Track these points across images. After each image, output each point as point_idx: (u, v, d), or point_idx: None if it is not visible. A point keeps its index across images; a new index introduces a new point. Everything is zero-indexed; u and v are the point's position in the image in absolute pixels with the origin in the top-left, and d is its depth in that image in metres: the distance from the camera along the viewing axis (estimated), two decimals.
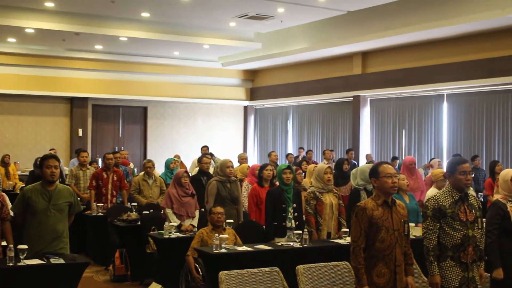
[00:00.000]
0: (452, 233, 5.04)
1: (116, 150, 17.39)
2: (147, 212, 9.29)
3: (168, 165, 12.03)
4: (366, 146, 17.66)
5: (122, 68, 19.66)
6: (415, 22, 14.05)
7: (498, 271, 5.51)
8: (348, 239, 6.86)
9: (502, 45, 13.92)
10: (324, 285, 5.81)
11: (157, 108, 21.06)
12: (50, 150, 15.73)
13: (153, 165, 10.96)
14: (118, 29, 16.09)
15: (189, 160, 16.71)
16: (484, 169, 13.32)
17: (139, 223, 8.92)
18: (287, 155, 16.57)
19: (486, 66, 14.09)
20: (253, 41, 18.26)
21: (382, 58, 16.91)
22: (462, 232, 5.04)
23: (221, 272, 5.52)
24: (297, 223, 7.49)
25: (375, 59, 17.18)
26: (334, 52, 17.45)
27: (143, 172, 10.97)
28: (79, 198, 7.42)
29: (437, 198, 5.14)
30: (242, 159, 12.91)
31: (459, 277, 5.04)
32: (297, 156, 17.57)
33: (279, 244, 7.14)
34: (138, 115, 20.99)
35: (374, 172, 5.00)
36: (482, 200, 10.78)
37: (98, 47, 18.28)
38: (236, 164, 12.62)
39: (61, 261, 5.76)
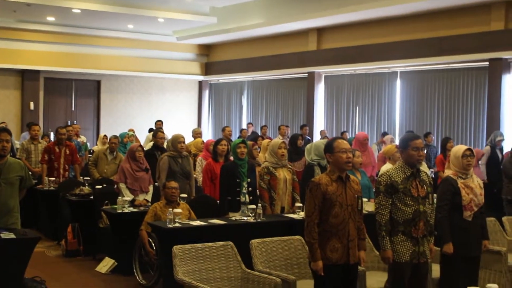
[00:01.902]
0: (404, 208, 5.12)
1: (69, 124, 17.16)
2: (100, 186, 9.21)
3: (122, 139, 11.89)
4: (320, 122, 17.74)
5: (75, 40, 19.33)
6: (369, 0, 14.12)
7: (448, 246, 5.62)
8: (302, 214, 6.92)
9: (454, 24, 14.08)
10: (278, 259, 5.86)
11: (111, 82, 20.79)
12: (1, 123, 15.43)
13: (119, 142, 10.88)
14: (71, 0, 15.79)
15: (143, 135, 16.58)
16: (435, 146, 13.53)
17: (92, 197, 8.85)
18: (241, 130, 16.51)
19: (438, 45, 14.23)
20: (209, 16, 18.14)
21: (337, 35, 16.95)
22: (413, 208, 5.12)
23: (175, 246, 5.52)
24: (251, 197, 7.50)
25: (330, 35, 17.21)
26: (289, 28, 17.43)
27: (107, 146, 10.84)
28: (30, 173, 7.30)
29: (390, 174, 5.20)
30: (197, 134, 12.87)
31: (410, 251, 5.12)
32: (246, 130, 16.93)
33: (233, 218, 7.15)
34: (91, 88, 20.69)
35: (329, 147, 5.03)
36: (433, 176, 10.95)
37: (50, 19, 17.91)
38: (190, 139, 12.60)
39: (12, 236, 5.68)
